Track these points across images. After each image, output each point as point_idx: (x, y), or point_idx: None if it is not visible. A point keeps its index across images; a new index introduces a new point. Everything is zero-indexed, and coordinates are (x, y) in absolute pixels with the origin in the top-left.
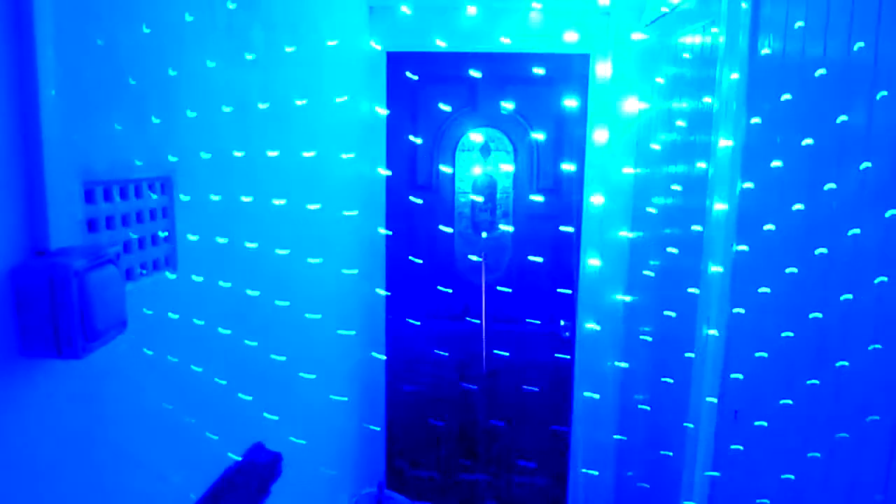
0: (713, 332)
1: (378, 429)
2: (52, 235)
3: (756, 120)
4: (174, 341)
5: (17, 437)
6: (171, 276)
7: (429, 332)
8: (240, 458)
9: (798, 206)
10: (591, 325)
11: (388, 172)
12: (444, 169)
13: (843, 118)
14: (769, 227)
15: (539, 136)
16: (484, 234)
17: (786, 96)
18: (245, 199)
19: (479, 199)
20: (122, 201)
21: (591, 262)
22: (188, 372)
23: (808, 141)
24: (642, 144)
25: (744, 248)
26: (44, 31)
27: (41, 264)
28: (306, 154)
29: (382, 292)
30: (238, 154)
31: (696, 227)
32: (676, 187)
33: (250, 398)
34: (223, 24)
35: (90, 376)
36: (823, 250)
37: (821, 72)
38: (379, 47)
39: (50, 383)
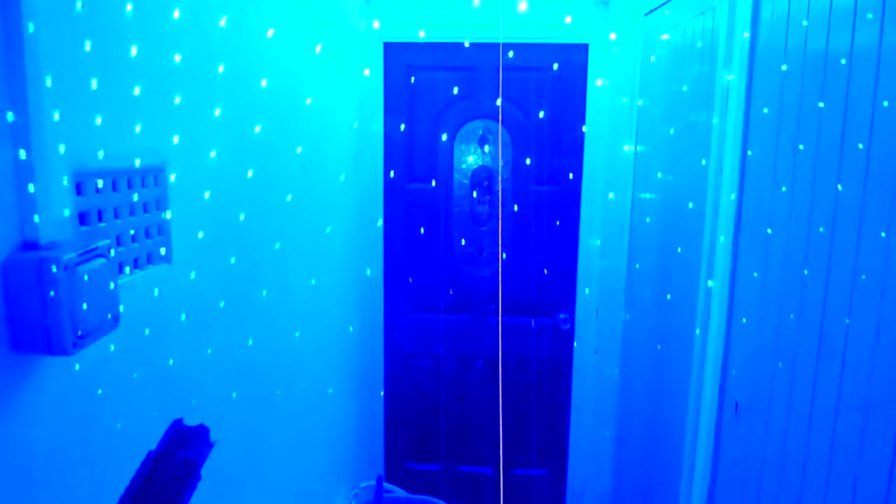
0: (713, 323)
1: (377, 421)
2: (42, 228)
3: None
4: (169, 336)
5: (4, 435)
6: (165, 269)
7: (427, 324)
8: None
9: (802, 194)
10: (591, 318)
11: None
12: (442, 160)
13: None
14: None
15: (537, 126)
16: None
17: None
18: (241, 190)
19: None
20: (114, 193)
21: (592, 254)
22: (183, 367)
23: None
24: (642, 133)
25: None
26: (34, 16)
27: (30, 258)
28: (303, 144)
29: (380, 284)
30: (233, 144)
31: (697, 211)
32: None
33: (248, 393)
34: (217, 12)
35: (81, 373)
36: (823, 235)
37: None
38: (377, 37)
39: (39, 380)
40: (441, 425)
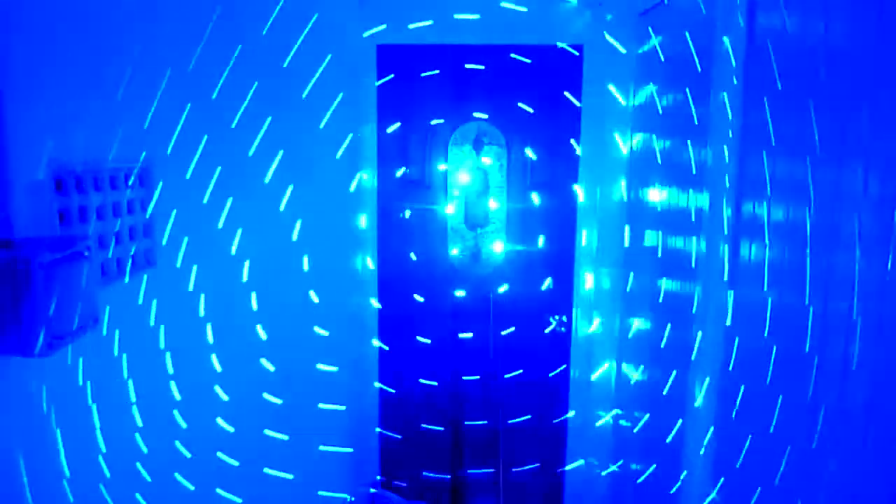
0: (713, 328)
1: (373, 429)
2: (18, 226)
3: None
4: (153, 339)
5: None
6: (150, 272)
7: (423, 331)
8: None
9: (800, 203)
10: (589, 323)
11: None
12: (437, 164)
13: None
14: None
15: (532, 128)
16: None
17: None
18: (229, 196)
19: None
20: (96, 193)
21: (589, 257)
22: (167, 372)
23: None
24: (638, 136)
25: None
26: (5, 11)
27: (4, 256)
28: (295, 148)
29: (375, 297)
30: (222, 147)
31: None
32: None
33: (241, 399)
34: (204, 11)
35: (58, 375)
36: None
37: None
38: (369, 39)
39: (14, 382)
40: (437, 430)
